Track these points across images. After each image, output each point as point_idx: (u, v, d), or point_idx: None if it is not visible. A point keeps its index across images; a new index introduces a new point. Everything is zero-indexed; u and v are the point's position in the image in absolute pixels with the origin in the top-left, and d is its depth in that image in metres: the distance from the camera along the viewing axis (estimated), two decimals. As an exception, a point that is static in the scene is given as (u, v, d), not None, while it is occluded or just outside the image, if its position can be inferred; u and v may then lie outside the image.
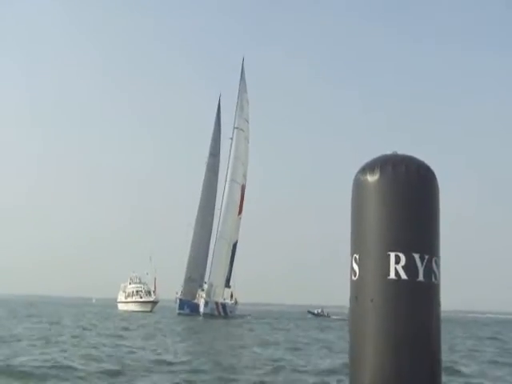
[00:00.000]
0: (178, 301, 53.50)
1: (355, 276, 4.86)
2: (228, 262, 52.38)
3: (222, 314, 49.29)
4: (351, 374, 4.93)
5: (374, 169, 4.90)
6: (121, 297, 68.95)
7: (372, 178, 4.87)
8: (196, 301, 50.94)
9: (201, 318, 45.33)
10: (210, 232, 55.00)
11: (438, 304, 4.79)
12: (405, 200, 4.77)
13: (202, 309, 48.18)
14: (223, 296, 52.37)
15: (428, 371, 4.66)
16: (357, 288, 4.83)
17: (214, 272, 51.42)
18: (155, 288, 64.16)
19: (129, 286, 67.53)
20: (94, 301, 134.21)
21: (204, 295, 49.60)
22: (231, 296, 53.43)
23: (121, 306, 67.19)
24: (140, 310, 61.55)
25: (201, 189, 59.22)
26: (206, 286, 50.42)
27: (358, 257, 4.85)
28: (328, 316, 64.55)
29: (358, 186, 5.00)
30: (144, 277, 66.89)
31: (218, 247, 52.28)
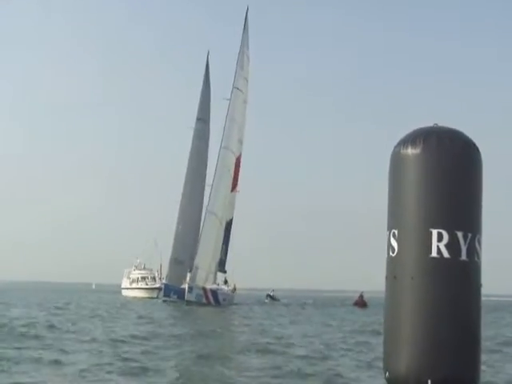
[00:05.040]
0: (162, 286, 54.15)
1: (393, 252, 5.38)
2: (220, 242, 51.89)
3: (213, 302, 48.87)
4: (387, 353, 5.49)
5: (415, 141, 5.36)
6: (125, 283, 75.99)
7: (414, 151, 5.33)
8: (183, 286, 50.86)
9: (184, 305, 45.48)
10: (201, 208, 55.18)
11: (480, 284, 5.34)
12: (449, 175, 5.23)
13: (186, 295, 47.86)
14: (215, 281, 52.49)
15: (468, 351, 5.23)
16: (395, 265, 5.35)
17: (200, 253, 50.62)
18: (161, 274, 67.15)
19: (133, 272, 74.56)
20: (93, 286, 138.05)
21: (188, 279, 49.08)
22: (225, 282, 53.65)
23: (125, 292, 73.92)
24: (146, 296, 66.74)
25: (187, 158, 59.64)
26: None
27: (396, 232, 5.35)
28: (277, 300, 69.04)
29: (398, 158, 5.45)
30: (149, 263, 73.08)
31: (206, 224, 51.22)
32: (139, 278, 73.10)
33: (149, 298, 64.09)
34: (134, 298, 66.10)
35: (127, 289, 74.56)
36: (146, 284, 71.35)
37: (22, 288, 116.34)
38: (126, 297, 69.04)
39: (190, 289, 47.84)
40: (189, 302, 45.90)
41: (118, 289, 79.09)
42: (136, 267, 74.54)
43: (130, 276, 74.74)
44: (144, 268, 73.60)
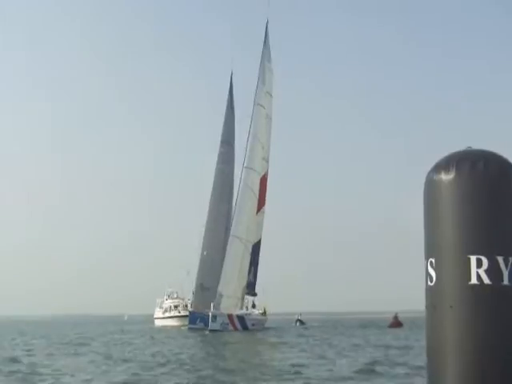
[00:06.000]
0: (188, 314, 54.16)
1: (431, 281, 5.39)
2: (246, 267, 51.62)
3: (240, 328, 48.39)
4: (430, 385, 5.48)
5: (448, 167, 5.41)
6: (158, 313, 78.53)
7: (447, 177, 5.37)
8: (209, 313, 50.55)
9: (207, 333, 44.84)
10: (227, 232, 55.08)
11: (525, 309, 5.30)
12: (484, 199, 5.26)
13: (209, 324, 47.14)
14: (242, 306, 52.21)
15: (514, 381, 5.17)
16: (434, 294, 5.37)
17: (223, 279, 50.18)
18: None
19: (166, 302, 77.05)
20: (126, 318, 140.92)
21: (212, 308, 48.43)
22: (253, 305, 53.41)
23: (158, 322, 76.23)
24: (178, 324, 68.11)
25: (212, 182, 60.13)
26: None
27: (434, 261, 5.38)
28: (304, 323, 71.25)
29: (432, 185, 5.51)
30: (181, 292, 75.68)
31: (229, 249, 51.03)
32: (171, 307, 74.83)
33: (181, 326, 64.84)
34: (165, 326, 67.35)
35: (160, 318, 76.11)
36: (179, 312, 72.55)
37: (61, 322, 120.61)
38: (158, 327, 70.64)
39: (214, 317, 47.20)
40: (213, 331, 45.14)
41: (150, 319, 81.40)
42: (168, 296, 76.67)
43: (163, 306, 76.70)
44: (176, 297, 75.43)
